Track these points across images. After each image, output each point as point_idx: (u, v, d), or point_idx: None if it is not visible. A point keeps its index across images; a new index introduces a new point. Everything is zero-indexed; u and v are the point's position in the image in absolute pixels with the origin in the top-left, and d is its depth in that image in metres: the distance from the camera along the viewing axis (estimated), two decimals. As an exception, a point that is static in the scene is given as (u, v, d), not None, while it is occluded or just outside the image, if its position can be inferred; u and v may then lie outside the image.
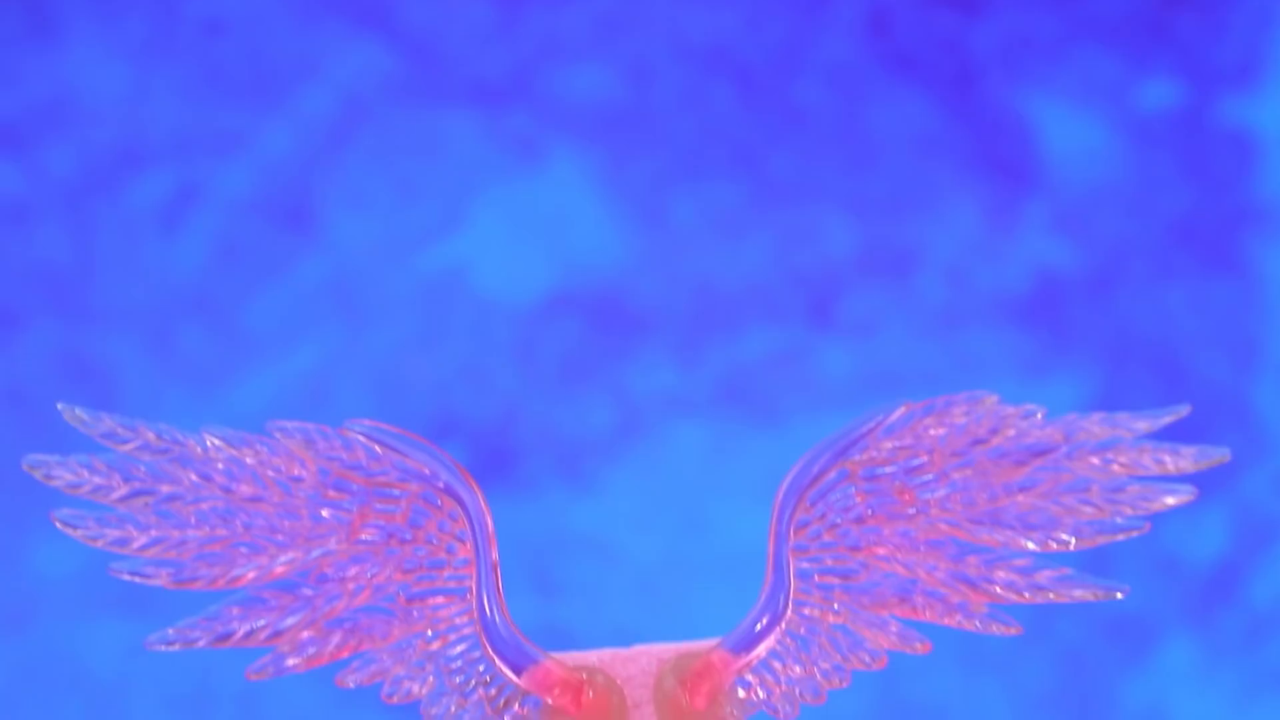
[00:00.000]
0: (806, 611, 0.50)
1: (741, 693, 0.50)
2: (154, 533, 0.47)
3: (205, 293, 1.06)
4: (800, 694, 0.50)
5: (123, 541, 0.48)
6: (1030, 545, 0.49)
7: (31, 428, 1.01)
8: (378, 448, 0.48)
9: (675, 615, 1.02)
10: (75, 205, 1.06)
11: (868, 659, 0.50)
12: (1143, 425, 0.50)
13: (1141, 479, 0.50)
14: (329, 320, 1.06)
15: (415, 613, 0.49)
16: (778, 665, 0.50)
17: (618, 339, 1.07)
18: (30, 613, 1.02)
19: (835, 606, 0.50)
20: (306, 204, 1.07)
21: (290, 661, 0.48)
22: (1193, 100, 1.10)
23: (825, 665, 0.50)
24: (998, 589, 0.49)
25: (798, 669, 0.50)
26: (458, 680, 0.49)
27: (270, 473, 0.48)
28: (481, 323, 1.07)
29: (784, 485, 0.49)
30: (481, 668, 0.49)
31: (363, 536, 0.48)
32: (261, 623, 0.48)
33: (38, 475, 0.48)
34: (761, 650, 0.49)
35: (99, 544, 0.48)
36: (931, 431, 0.50)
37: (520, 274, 1.08)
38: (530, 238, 1.09)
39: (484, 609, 0.48)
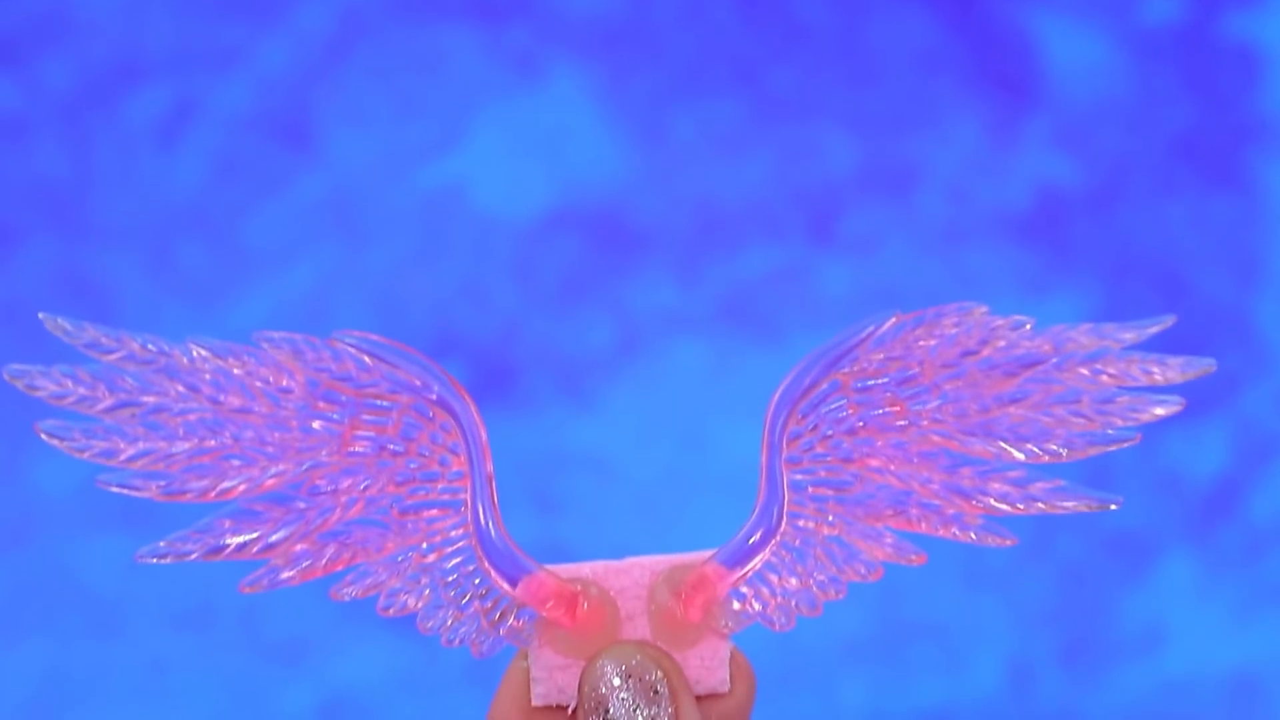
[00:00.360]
0: (801, 523, 0.50)
1: (736, 605, 0.50)
2: (142, 444, 0.47)
3: (204, 209, 1.06)
4: (796, 606, 0.50)
5: (110, 453, 0.47)
6: (1021, 457, 0.49)
7: (30, 345, 1.01)
8: (367, 359, 0.48)
9: (674, 532, 1.02)
10: (72, 120, 1.06)
11: (864, 571, 0.50)
12: (1130, 335, 0.50)
13: (1131, 390, 0.50)
14: (328, 237, 1.06)
15: (409, 525, 0.49)
16: (773, 578, 0.50)
17: (617, 256, 1.07)
18: (30, 528, 1.03)
19: (829, 518, 0.50)
20: (305, 120, 1.07)
21: (285, 574, 0.48)
22: (1195, 15, 1.10)
23: (821, 577, 0.50)
24: (992, 500, 0.49)
25: (793, 581, 0.50)
26: (453, 593, 0.49)
27: (258, 384, 0.48)
28: (481, 240, 1.07)
29: (775, 397, 0.49)
30: (477, 580, 0.49)
31: (354, 449, 0.48)
32: (254, 535, 0.48)
33: (20, 385, 0.48)
34: (756, 563, 0.49)
35: (85, 455, 0.47)
36: (922, 343, 0.50)
37: (520, 191, 1.07)
38: (530, 154, 1.08)
39: (479, 521, 0.48)
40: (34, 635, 1.02)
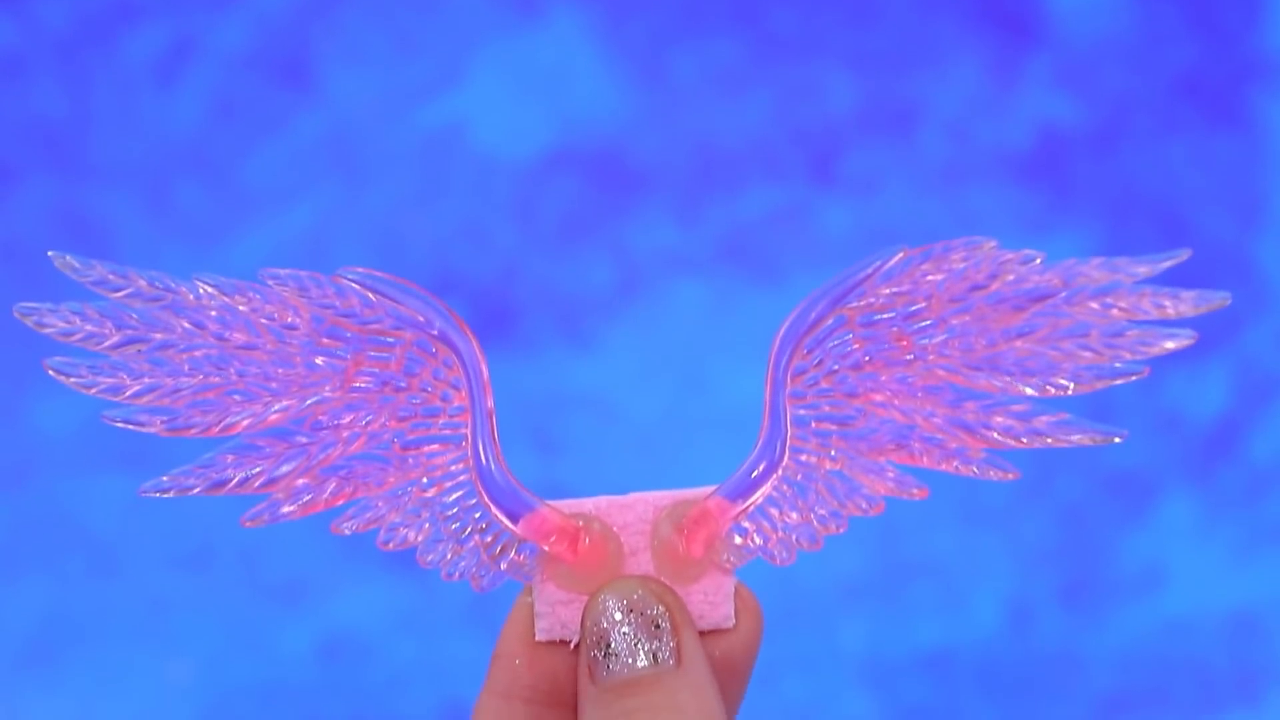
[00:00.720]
0: (803, 458, 0.50)
1: (738, 539, 0.50)
2: (147, 380, 0.47)
3: (202, 149, 1.05)
4: (797, 540, 0.50)
5: (116, 389, 0.47)
6: (1028, 390, 0.49)
7: (28, 284, 1.01)
8: (371, 295, 0.48)
9: (674, 472, 1.02)
10: (70, 59, 1.05)
11: (865, 505, 0.50)
12: (1142, 270, 0.50)
13: (1141, 324, 0.50)
14: (327, 177, 1.06)
15: (410, 460, 0.49)
16: (775, 512, 0.50)
17: (618, 196, 1.07)
18: (30, 469, 1.03)
19: (832, 453, 0.50)
20: (304, 59, 1.06)
21: (286, 509, 0.48)
22: (1198, -47, 1.09)
23: (822, 511, 0.50)
24: (995, 434, 0.49)
25: (795, 515, 0.50)
26: (454, 528, 0.49)
27: (263, 320, 0.48)
28: (481, 180, 1.06)
29: (781, 332, 0.49)
30: (477, 515, 0.49)
31: (357, 384, 0.48)
32: (256, 470, 0.48)
33: (29, 322, 0.47)
34: (758, 497, 0.49)
35: (92, 391, 0.47)
36: (929, 277, 0.49)
37: (520, 130, 1.07)
38: (530, 94, 1.08)
39: (480, 456, 0.48)
40: (34, 575, 1.02)
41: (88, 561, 1.02)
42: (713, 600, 0.50)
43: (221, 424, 0.47)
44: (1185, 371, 1.05)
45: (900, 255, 0.49)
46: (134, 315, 0.47)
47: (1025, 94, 1.08)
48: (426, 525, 0.49)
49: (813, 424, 0.50)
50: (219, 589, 1.02)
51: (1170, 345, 0.50)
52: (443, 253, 1.05)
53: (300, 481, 0.48)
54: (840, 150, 1.07)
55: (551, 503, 0.49)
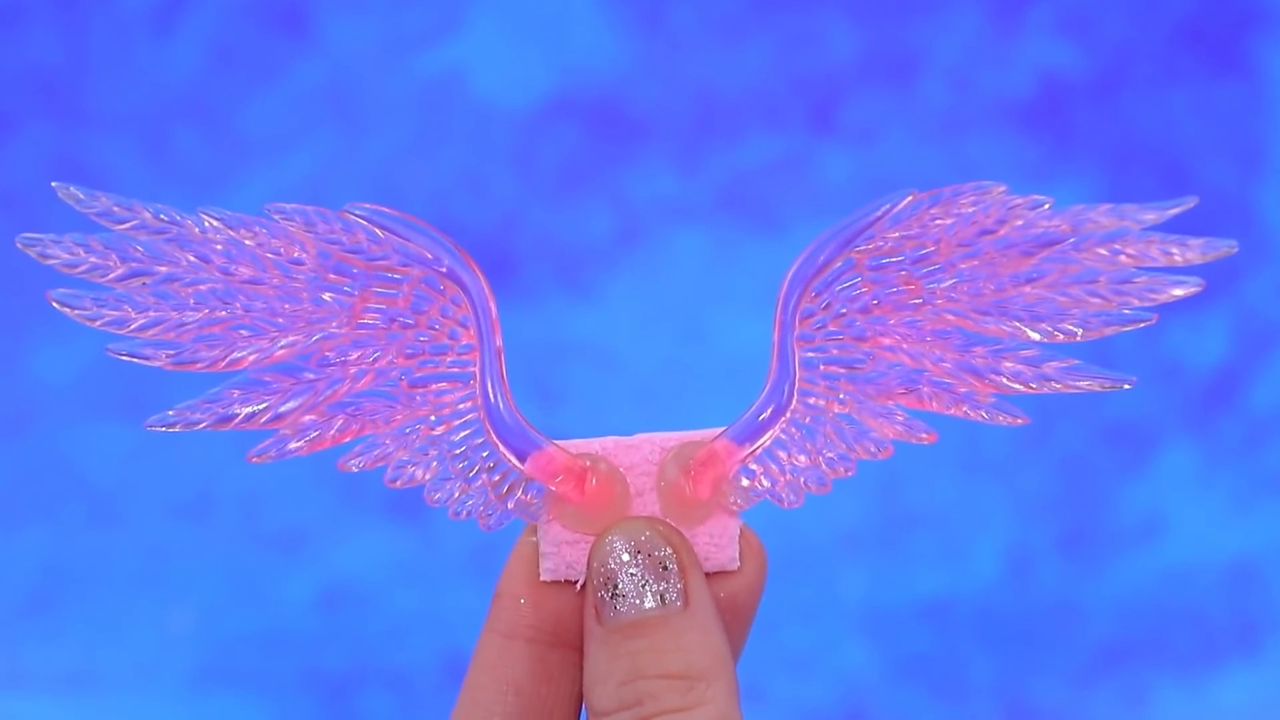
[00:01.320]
0: (812, 401, 0.50)
1: (745, 482, 0.50)
2: (152, 314, 0.47)
3: (200, 97, 1.05)
4: (805, 483, 0.50)
5: (120, 322, 0.47)
6: (1036, 336, 0.49)
7: (27, 231, 1.01)
8: (379, 231, 0.47)
9: (674, 421, 1.02)
10: (68, 7, 1.05)
11: (874, 448, 0.50)
12: (1150, 216, 0.50)
13: (1149, 270, 0.50)
14: (325, 125, 1.05)
15: (418, 398, 0.49)
16: (783, 455, 0.50)
17: (617, 145, 1.06)
18: (30, 417, 1.02)
19: (841, 396, 0.50)
20: (302, 6, 1.06)
21: (293, 445, 0.48)
22: (1201, -99, 1.09)
23: (830, 455, 0.50)
24: (1004, 379, 0.49)
25: (803, 458, 0.50)
26: (461, 466, 0.49)
27: (269, 255, 0.47)
28: (480, 128, 1.06)
29: (788, 274, 0.49)
30: (485, 454, 0.49)
31: (364, 320, 0.48)
32: (263, 405, 0.47)
33: (32, 253, 0.47)
34: (766, 439, 0.49)
35: (96, 324, 0.47)
36: (938, 222, 0.49)
37: (519, 78, 1.07)
38: (529, 42, 1.07)
39: (488, 394, 0.48)
40: (34, 524, 1.02)
41: (88, 510, 1.02)
42: (718, 542, 0.50)
43: (228, 359, 0.47)
44: (1185, 321, 1.05)
45: (909, 199, 0.49)
46: (139, 248, 0.47)
47: (1026, 42, 1.07)
48: (434, 463, 0.49)
49: (821, 367, 0.50)
50: (219, 538, 1.02)
51: (1178, 292, 0.50)
52: (441, 202, 1.05)
53: (307, 418, 0.48)
54: (840, 99, 1.07)
55: (558, 442, 0.49)
